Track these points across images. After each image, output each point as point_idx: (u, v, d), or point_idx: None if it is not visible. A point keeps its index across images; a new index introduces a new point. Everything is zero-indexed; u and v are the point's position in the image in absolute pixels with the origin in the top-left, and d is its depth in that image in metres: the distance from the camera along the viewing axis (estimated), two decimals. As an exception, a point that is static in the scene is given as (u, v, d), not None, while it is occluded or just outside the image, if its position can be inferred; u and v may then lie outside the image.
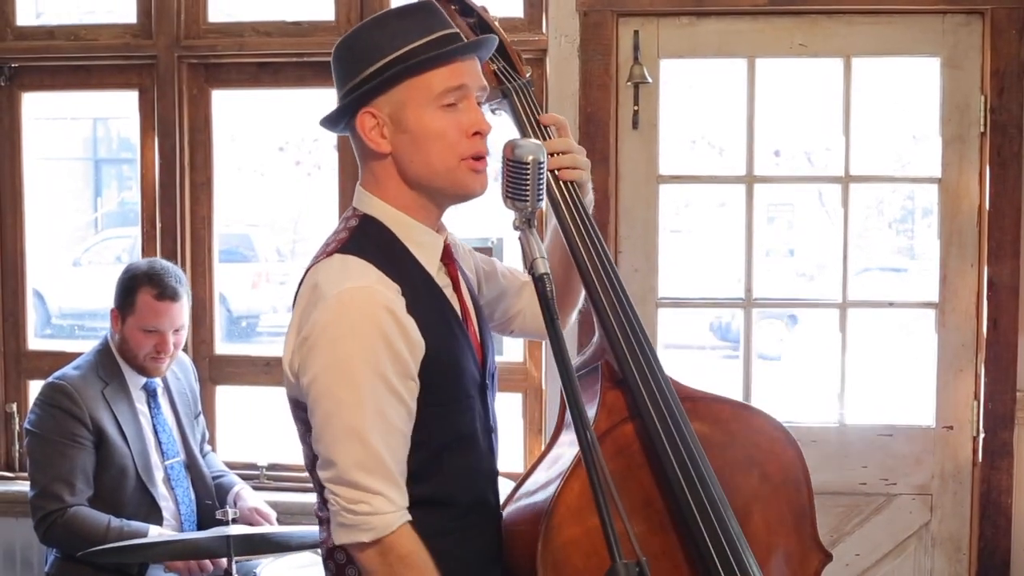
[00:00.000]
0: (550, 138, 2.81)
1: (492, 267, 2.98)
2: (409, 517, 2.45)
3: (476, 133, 2.52)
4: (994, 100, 4.51)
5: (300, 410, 2.54)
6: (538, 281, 2.31)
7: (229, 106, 5.08)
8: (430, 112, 2.49)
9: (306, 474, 4.85)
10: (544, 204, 2.42)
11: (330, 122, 2.64)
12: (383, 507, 2.41)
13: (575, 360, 2.92)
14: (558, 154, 2.77)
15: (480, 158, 2.54)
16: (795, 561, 2.87)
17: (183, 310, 4.30)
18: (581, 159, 2.81)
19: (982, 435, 4.61)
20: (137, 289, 4.23)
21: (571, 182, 2.79)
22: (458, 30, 2.60)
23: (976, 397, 4.64)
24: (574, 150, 2.81)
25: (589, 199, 2.87)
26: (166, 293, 4.23)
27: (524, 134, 2.79)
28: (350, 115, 2.56)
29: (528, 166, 2.33)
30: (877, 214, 16.69)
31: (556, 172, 2.76)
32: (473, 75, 2.55)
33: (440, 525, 2.52)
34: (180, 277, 4.33)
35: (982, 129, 4.55)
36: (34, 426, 4.19)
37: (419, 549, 2.45)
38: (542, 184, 2.36)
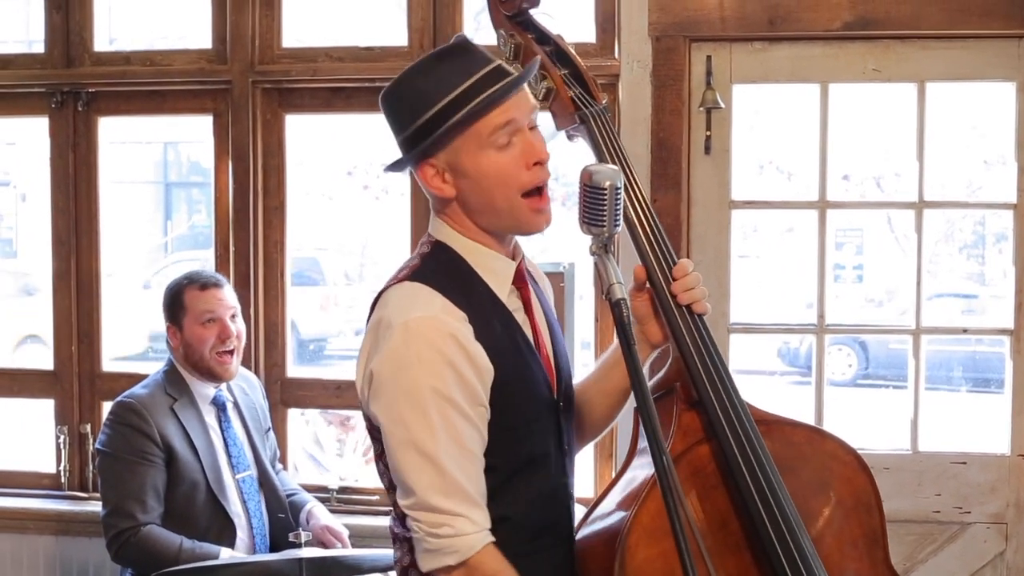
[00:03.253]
0: (626, 161, 2.82)
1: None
2: (492, 538, 2.47)
3: (536, 163, 2.55)
4: (1070, 125, 4.47)
5: (376, 430, 2.56)
6: (615, 307, 2.33)
7: (298, 130, 5.12)
8: (486, 155, 2.52)
9: (376, 497, 4.92)
10: (621, 228, 2.42)
11: (394, 168, 2.67)
12: (465, 528, 2.43)
13: (650, 383, 2.93)
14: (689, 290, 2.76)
15: (542, 192, 2.56)
16: (866, 585, 2.86)
17: (230, 295, 4.40)
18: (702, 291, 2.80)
19: (1058, 463, 4.55)
20: (182, 293, 4.34)
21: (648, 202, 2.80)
22: (498, 61, 2.61)
23: (1052, 425, 4.58)
24: (698, 285, 2.79)
25: None
26: (208, 282, 4.36)
27: (600, 159, 2.80)
28: (412, 165, 2.60)
29: (606, 192, 2.35)
30: (948, 239, 16.56)
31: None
32: (520, 107, 2.56)
33: (512, 547, 2.53)
34: (216, 273, 4.50)
35: (1058, 154, 4.51)
36: (104, 445, 4.24)
37: (505, 568, 2.47)
38: (619, 209, 2.38)
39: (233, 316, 4.37)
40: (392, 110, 2.61)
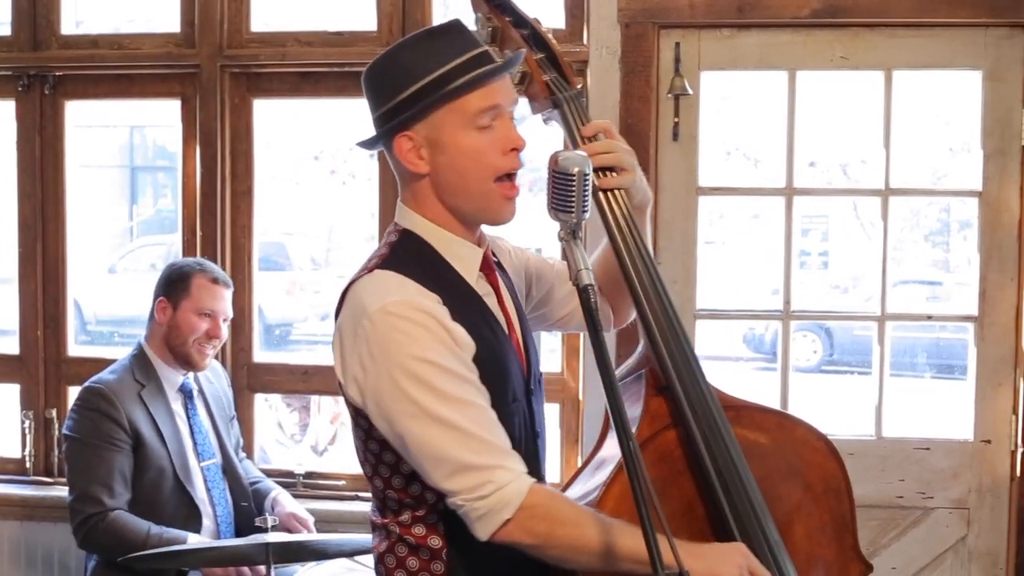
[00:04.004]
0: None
1: (544, 267, 3.01)
2: (532, 480, 2.45)
3: (512, 149, 2.57)
4: (1036, 114, 4.50)
5: (361, 418, 2.55)
6: (583, 292, 2.33)
7: (265, 114, 5.11)
8: (466, 133, 2.53)
9: (342, 483, 4.93)
10: (589, 215, 2.43)
11: (367, 145, 2.68)
12: (505, 478, 2.41)
13: (619, 369, 2.95)
14: (600, 154, 2.77)
15: (513, 180, 2.59)
16: (835, 570, 2.88)
17: (231, 301, 4.42)
18: (626, 158, 2.81)
19: (1020, 449, 4.61)
20: (191, 276, 4.34)
21: (617, 188, 2.80)
22: (487, 47, 2.63)
23: (1015, 411, 4.64)
24: (617, 150, 2.81)
25: (642, 197, 2.89)
26: (220, 279, 4.39)
27: (574, 143, 2.81)
28: (387, 138, 2.59)
29: (573, 178, 2.35)
30: (912, 227, 16.63)
31: (597, 178, 2.75)
32: (505, 93, 2.58)
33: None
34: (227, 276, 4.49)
35: None
36: (72, 430, 4.23)
37: (557, 499, 2.48)
38: (587, 196, 2.38)
39: (226, 320, 4.39)
40: (375, 83, 2.61)
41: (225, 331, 4.39)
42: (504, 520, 2.41)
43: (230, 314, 4.42)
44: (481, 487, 2.40)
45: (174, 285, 4.34)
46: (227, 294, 4.39)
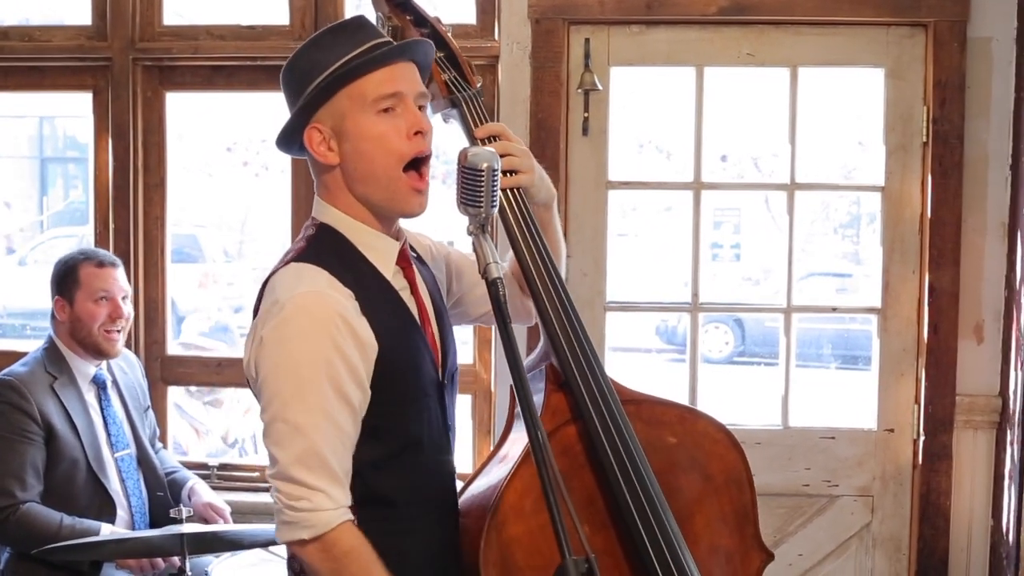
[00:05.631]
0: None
1: (464, 264, 3.03)
2: (351, 516, 2.49)
3: (417, 133, 2.58)
4: (936, 111, 4.59)
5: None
6: (491, 286, 2.38)
7: (177, 106, 5.10)
8: (368, 118, 2.56)
9: (256, 474, 4.94)
10: (497, 210, 2.47)
11: (285, 144, 2.70)
12: (323, 504, 2.45)
13: (524, 362, 2.98)
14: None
15: (422, 172, 2.61)
16: (736, 560, 2.93)
17: (124, 277, 4.41)
18: (525, 161, 2.86)
19: (922, 438, 4.70)
20: (77, 267, 4.33)
21: (517, 187, 2.84)
22: (390, 39, 2.66)
23: (917, 401, 4.73)
24: (513, 152, 2.84)
25: (545, 195, 2.93)
26: (106, 261, 4.37)
27: (472, 143, 2.83)
28: (299, 133, 2.63)
29: (482, 174, 2.39)
30: (824, 219, 16.81)
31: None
32: (408, 81, 2.61)
33: (399, 523, 2.58)
34: (112, 254, 4.49)
35: (924, 139, 4.64)
36: (-18, 424, 4.21)
37: (361, 545, 2.49)
38: (496, 191, 2.42)
39: (124, 298, 4.38)
40: (287, 82, 2.66)
41: (126, 308, 4.37)
42: (300, 538, 2.46)
43: (127, 291, 4.41)
44: (298, 500, 2.45)
45: (64, 281, 4.34)
46: (117, 273, 4.37)
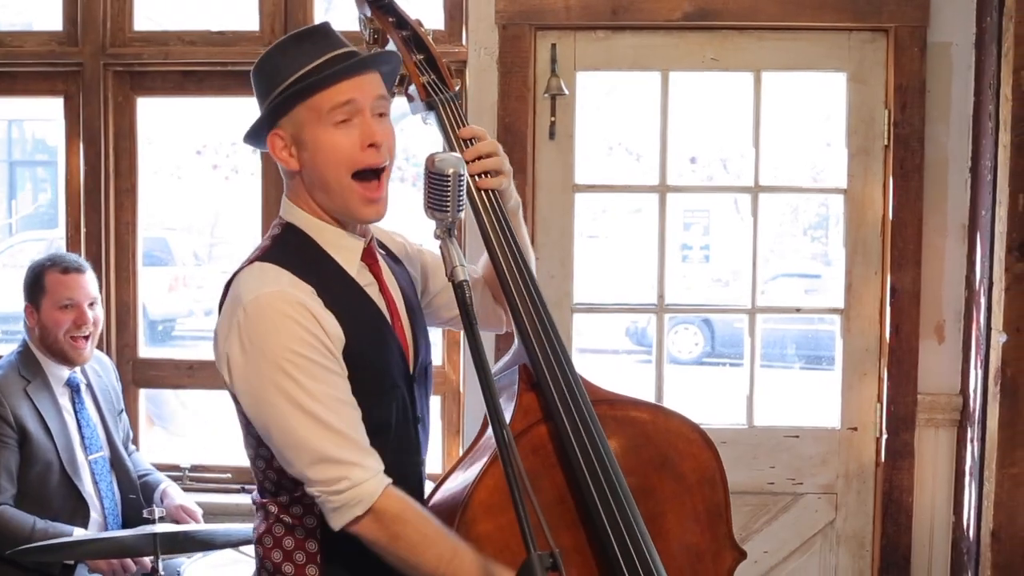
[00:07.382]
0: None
1: (439, 268, 3.05)
2: (389, 479, 2.54)
3: (370, 145, 2.62)
4: (897, 114, 4.66)
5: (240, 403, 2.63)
6: (457, 288, 2.42)
7: (147, 110, 5.12)
8: (324, 130, 2.61)
9: (228, 475, 4.96)
10: (464, 214, 2.52)
11: (253, 140, 2.76)
12: (360, 476, 2.50)
13: (498, 363, 3.04)
14: (482, 157, 2.86)
15: (378, 181, 2.65)
16: (708, 558, 2.95)
17: (92, 283, 4.43)
18: (505, 164, 2.90)
19: (885, 436, 4.77)
20: (43, 274, 4.36)
21: (491, 189, 2.89)
22: (353, 48, 2.70)
23: (879, 400, 4.80)
24: (497, 153, 2.90)
25: (514, 202, 2.97)
26: (71, 267, 4.38)
27: (449, 145, 2.89)
28: (264, 134, 2.69)
29: (449, 178, 2.43)
30: (793, 220, 16.86)
31: (476, 179, 2.85)
32: (363, 89, 2.64)
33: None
34: (80, 259, 4.48)
35: (886, 142, 4.71)
36: (-45, 427, 4.22)
37: (407, 506, 2.55)
38: (462, 196, 2.46)
39: (92, 304, 4.39)
40: (255, 84, 2.72)
41: (94, 314, 4.39)
42: (356, 516, 2.50)
43: (94, 296, 4.43)
44: (338, 481, 2.49)
45: (32, 288, 4.37)
46: (83, 279, 4.40)
